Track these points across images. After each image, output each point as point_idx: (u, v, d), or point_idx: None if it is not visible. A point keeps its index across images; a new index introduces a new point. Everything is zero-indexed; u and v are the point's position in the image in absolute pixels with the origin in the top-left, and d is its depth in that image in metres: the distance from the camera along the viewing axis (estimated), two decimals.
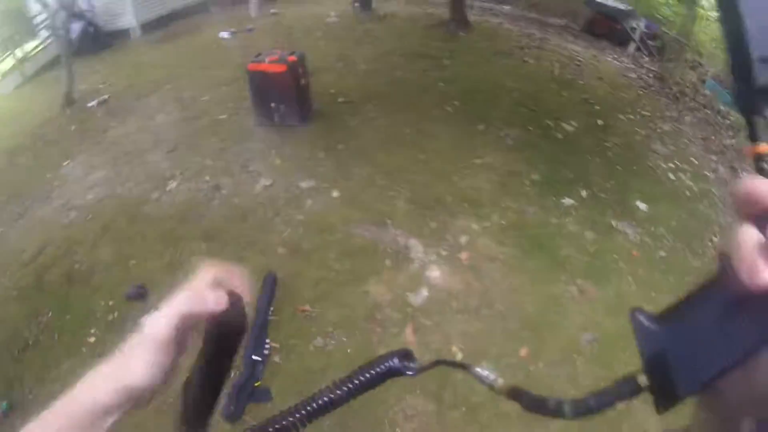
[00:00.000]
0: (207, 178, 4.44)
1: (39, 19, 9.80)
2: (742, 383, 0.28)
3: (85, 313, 3.25)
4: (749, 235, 0.26)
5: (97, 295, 3.35)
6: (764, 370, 0.27)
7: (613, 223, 4.04)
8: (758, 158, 0.43)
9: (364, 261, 3.50)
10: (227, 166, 4.60)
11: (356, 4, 9.89)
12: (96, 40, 9.67)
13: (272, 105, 4.97)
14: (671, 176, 5.03)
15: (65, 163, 5.14)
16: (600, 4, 9.73)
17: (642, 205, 4.34)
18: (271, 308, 3.11)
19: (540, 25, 10.12)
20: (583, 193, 4.33)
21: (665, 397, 0.29)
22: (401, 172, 4.39)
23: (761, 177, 0.27)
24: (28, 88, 8.61)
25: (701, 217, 4.44)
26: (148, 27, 10.54)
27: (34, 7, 9.21)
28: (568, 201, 4.21)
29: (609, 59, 8.72)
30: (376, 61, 6.81)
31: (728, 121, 7.27)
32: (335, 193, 4.18)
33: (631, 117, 6.19)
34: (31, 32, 10.31)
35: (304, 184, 4.30)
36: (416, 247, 3.62)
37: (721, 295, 0.27)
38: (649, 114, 6.47)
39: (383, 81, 6.18)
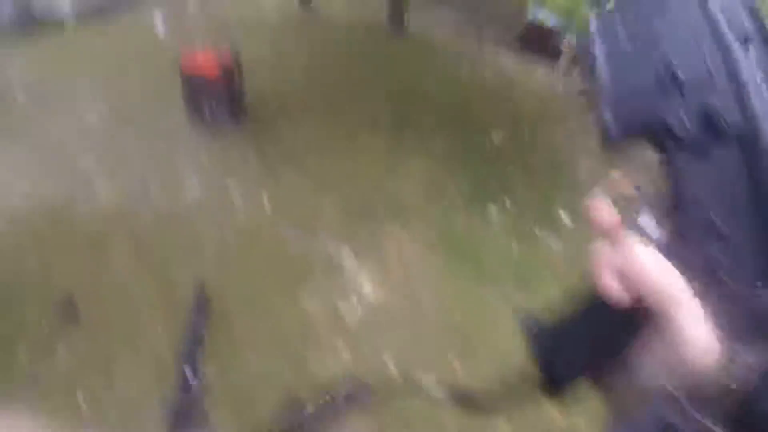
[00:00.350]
0: (135, 179, 4.26)
1: None
2: (625, 377, 0.33)
3: (12, 326, 3.02)
4: (599, 251, 0.33)
5: (25, 306, 3.15)
6: (640, 366, 0.33)
7: (538, 232, 4.22)
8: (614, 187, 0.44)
9: (294, 270, 3.45)
10: (156, 166, 4.41)
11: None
12: (27, 24, 8.59)
13: (204, 105, 4.84)
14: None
15: None
16: (535, 18, 10.14)
17: (565, 216, 4.57)
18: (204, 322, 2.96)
19: (476, 34, 10.39)
20: (508, 204, 4.48)
21: (551, 386, 0.35)
22: (332, 178, 4.37)
23: (605, 200, 0.34)
24: None
25: None
26: (84, 6, 9.51)
27: None
28: (493, 210, 4.34)
29: (540, 72, 9.14)
30: (312, 63, 6.76)
31: None
32: (265, 199, 4.10)
33: (557, 130, 6.53)
34: None
35: (233, 188, 4.20)
36: (347, 256, 3.59)
37: (595, 301, 0.33)
38: (576, 128, 6.85)
39: (318, 83, 6.13)
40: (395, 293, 3.35)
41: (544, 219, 4.39)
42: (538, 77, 8.61)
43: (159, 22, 8.65)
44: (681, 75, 0.33)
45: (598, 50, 0.37)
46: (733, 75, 0.31)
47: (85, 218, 3.89)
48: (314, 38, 8.04)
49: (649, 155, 0.36)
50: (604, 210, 0.33)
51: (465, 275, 3.57)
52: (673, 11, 0.35)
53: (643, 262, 0.31)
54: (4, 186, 4.30)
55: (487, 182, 4.69)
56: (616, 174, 0.40)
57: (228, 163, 4.52)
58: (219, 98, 4.79)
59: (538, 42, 10.06)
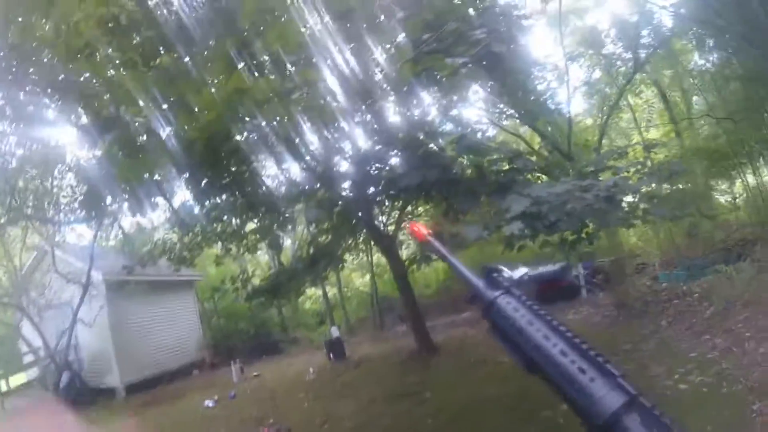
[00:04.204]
0: None
1: (27, 359, 10.02)
2: None
3: None
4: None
5: None
6: None
7: None
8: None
9: None
10: None
11: (330, 356, 10.65)
12: (81, 394, 9.79)
13: None
14: (683, 386, 4.79)
15: None
16: (537, 275, 10.55)
17: None
18: None
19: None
20: None
21: None
22: None
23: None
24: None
25: (729, 399, 4.19)
26: (133, 388, 10.67)
27: (24, 346, 9.39)
28: None
29: (570, 317, 9.20)
30: (360, 413, 6.80)
31: (696, 295, 7.57)
32: None
33: (615, 358, 6.10)
34: (18, 368, 10.39)
35: None
36: None
37: None
38: (629, 346, 6.49)
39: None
40: None
41: None
42: (571, 323, 8.30)
43: (205, 394, 9.38)
44: None
45: None
46: None
47: None
48: (356, 386, 8.30)
49: None
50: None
51: None
52: None
53: None
54: None
55: None
56: None
57: None
58: None
59: (553, 292, 10.30)
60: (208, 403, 8.90)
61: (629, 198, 5.69)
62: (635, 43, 11.49)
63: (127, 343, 11.08)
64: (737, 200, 13.36)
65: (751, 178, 12.71)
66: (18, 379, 10.66)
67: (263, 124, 5.43)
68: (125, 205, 6.72)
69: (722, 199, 13.86)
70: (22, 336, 7.70)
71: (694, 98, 14.64)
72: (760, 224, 10.04)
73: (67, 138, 8.90)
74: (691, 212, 8.67)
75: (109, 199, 6.69)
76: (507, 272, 0.69)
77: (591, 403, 0.52)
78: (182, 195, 7.41)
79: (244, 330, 15.37)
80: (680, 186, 9.32)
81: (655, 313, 7.57)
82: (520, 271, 0.70)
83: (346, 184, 6.61)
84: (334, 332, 12.02)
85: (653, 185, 6.56)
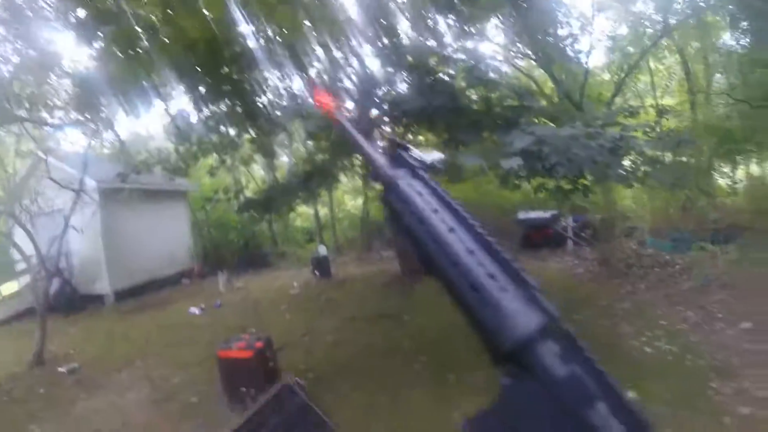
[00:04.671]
0: None
1: (19, 266, 9.86)
2: None
3: None
4: None
5: None
6: None
7: None
8: None
9: None
10: None
11: (316, 272, 10.82)
12: (71, 300, 10.09)
13: (242, 390, 4.91)
14: (648, 349, 5.01)
15: (31, 427, 4.89)
16: (527, 219, 10.56)
17: (630, 394, 4.27)
18: None
19: None
20: None
21: None
22: None
23: None
24: None
25: (691, 371, 4.37)
26: (122, 295, 10.98)
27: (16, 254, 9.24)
28: None
29: (553, 265, 9.20)
30: (341, 330, 6.99)
31: (678, 267, 7.71)
32: None
33: (590, 312, 6.28)
34: (10, 275, 10.48)
35: None
36: None
37: None
38: (606, 303, 6.69)
39: (351, 350, 6.24)
40: None
41: None
42: (552, 271, 8.61)
43: (192, 302, 9.60)
44: None
45: None
46: None
47: None
48: (338, 303, 8.51)
49: None
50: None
51: None
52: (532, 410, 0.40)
53: None
54: None
55: None
56: None
57: None
58: (256, 383, 4.86)
59: (540, 238, 10.44)
60: (194, 310, 9.16)
61: (632, 158, 5.63)
62: (668, 7, 10.92)
63: (117, 250, 11.21)
64: (737, 185, 13.30)
65: (755, 167, 12.60)
66: (10, 287, 10.94)
67: (269, 31, 5.20)
68: (120, 109, 6.59)
69: (722, 182, 13.81)
70: (14, 243, 7.76)
71: (717, 75, 14.19)
72: (754, 212, 10.07)
73: (65, 42, 8.58)
74: (690, 185, 8.63)
75: (104, 101, 6.54)
76: (418, 152, 0.55)
77: (499, 320, 0.41)
78: (180, 102, 7.24)
79: (233, 242, 15.56)
80: (684, 159, 9.18)
81: (636, 276, 7.72)
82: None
83: (350, 103, 6.44)
84: (322, 250, 12.14)
85: (659, 150, 6.48)
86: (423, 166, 0.53)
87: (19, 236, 7.99)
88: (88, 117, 8.30)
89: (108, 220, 11.08)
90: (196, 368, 6.09)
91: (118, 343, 7.53)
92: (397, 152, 0.55)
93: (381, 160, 0.56)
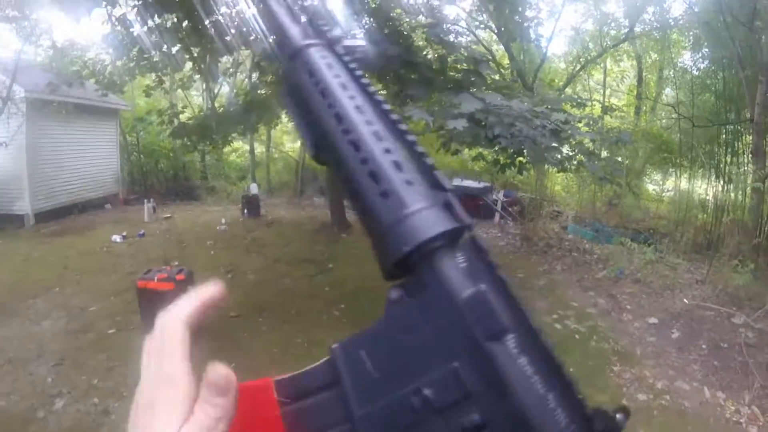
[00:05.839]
0: (95, 400, 4.00)
1: None
2: None
3: None
4: None
5: None
6: None
7: None
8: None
9: None
10: (116, 387, 4.15)
11: (245, 211, 10.61)
12: None
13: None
14: (558, 326, 5.40)
15: None
16: (460, 186, 10.84)
17: None
18: None
19: None
20: None
21: None
22: None
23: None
24: None
25: (595, 353, 4.77)
26: (43, 216, 10.27)
27: None
28: None
29: (479, 233, 9.48)
30: (265, 270, 6.98)
31: (595, 256, 8.26)
32: None
33: None
34: None
35: None
36: None
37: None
38: (523, 275, 7.10)
39: (272, 291, 6.26)
40: None
41: None
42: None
43: (114, 229, 9.27)
44: (433, 398, 0.31)
45: (345, 381, 0.35)
46: (494, 383, 0.29)
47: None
48: (264, 244, 8.47)
49: None
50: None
51: None
52: (421, 331, 0.33)
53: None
54: None
55: None
56: None
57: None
58: None
59: (470, 207, 10.34)
60: (116, 238, 8.78)
61: (570, 146, 5.89)
62: (636, 15, 11.24)
63: (41, 167, 10.33)
64: (664, 194, 14.23)
65: (683, 181, 13.54)
66: None
67: None
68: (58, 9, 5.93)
69: (651, 187, 14.75)
70: None
71: (667, 89, 14.94)
72: (675, 222, 10.80)
73: None
74: (620, 181, 9.16)
75: None
76: (342, 29, 0.46)
77: (398, 217, 0.34)
78: (124, 10, 6.62)
79: (163, 170, 14.87)
80: (619, 158, 9.70)
81: (555, 257, 8.20)
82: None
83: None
84: (253, 189, 11.88)
85: (597, 144, 6.80)
86: (350, 51, 0.44)
87: None
88: (23, 14, 7.46)
89: (34, 133, 10.06)
90: (115, 298, 5.92)
91: (35, 268, 7.13)
92: (313, 21, 0.45)
93: (293, 25, 0.46)
